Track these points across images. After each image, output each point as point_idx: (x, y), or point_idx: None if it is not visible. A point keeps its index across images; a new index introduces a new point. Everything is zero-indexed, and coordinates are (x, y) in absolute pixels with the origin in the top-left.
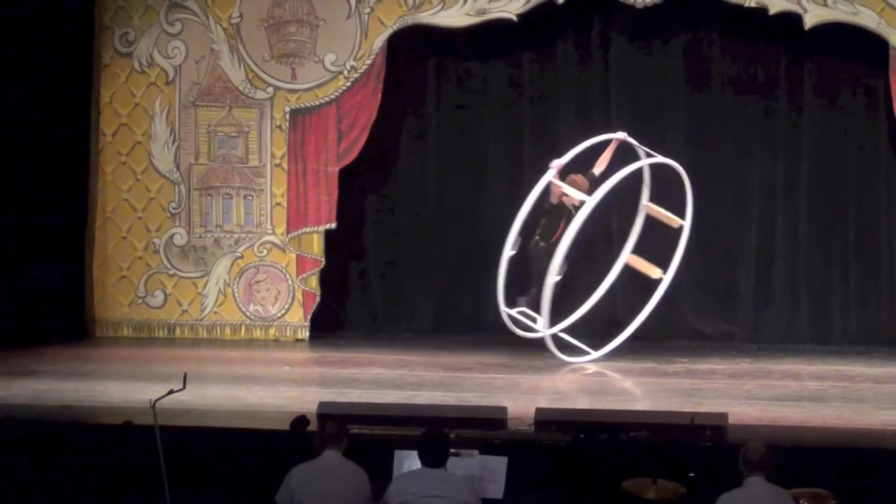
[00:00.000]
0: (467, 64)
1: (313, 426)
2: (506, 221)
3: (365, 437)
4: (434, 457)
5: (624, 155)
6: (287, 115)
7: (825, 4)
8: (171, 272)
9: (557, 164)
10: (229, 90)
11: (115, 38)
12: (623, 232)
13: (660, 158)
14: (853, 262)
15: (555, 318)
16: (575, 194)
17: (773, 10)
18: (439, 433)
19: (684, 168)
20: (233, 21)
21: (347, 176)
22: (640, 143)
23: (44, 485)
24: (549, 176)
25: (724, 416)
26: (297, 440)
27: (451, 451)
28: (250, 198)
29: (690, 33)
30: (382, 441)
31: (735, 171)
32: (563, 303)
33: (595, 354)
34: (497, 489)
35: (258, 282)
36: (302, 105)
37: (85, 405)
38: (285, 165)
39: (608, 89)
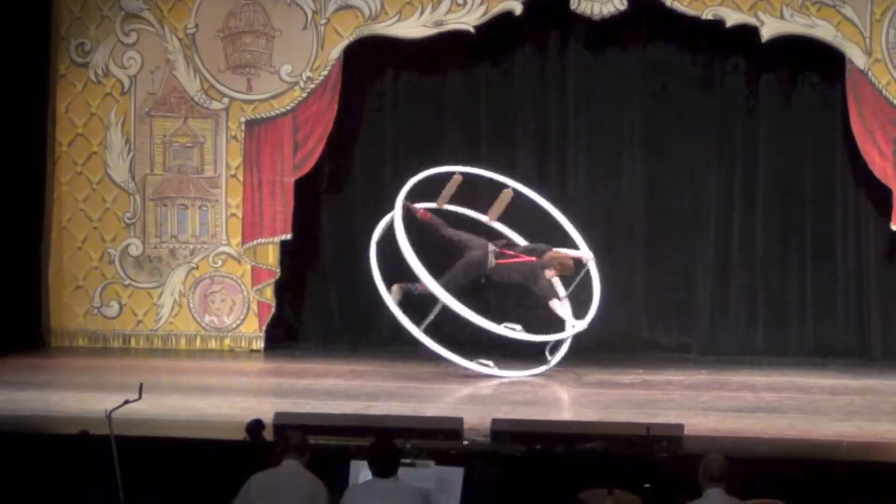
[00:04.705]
0: (424, 75)
1: (268, 431)
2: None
3: (321, 447)
4: (384, 467)
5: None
6: (242, 126)
7: (782, 17)
8: (127, 282)
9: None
10: (185, 100)
11: (71, 48)
12: None
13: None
14: (809, 273)
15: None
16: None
17: (729, 23)
18: (388, 443)
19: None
20: (188, 31)
21: (304, 185)
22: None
23: None
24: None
25: (680, 426)
26: (252, 447)
27: (407, 461)
28: (205, 208)
29: (648, 44)
30: (339, 452)
31: (692, 182)
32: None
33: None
34: (453, 500)
35: (213, 292)
36: (257, 116)
37: (41, 415)
38: (241, 176)
39: (565, 100)
